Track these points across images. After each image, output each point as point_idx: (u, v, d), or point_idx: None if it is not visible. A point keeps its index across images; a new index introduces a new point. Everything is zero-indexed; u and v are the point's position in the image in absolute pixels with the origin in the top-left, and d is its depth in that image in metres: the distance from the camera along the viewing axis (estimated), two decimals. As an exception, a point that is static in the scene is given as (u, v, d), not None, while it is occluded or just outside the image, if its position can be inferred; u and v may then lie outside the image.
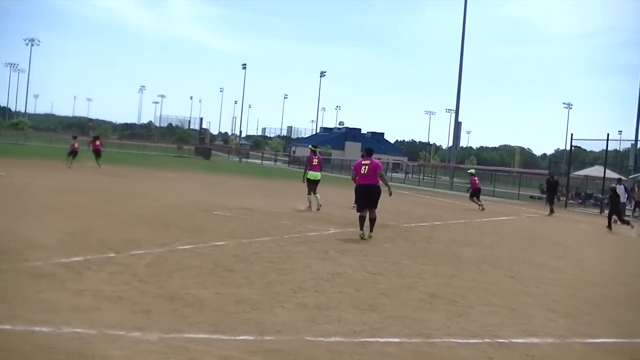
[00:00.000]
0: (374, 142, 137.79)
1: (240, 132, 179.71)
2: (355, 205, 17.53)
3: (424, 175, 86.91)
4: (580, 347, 8.27)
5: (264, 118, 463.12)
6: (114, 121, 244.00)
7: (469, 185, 36.52)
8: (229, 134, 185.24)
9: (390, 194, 17.52)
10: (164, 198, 23.89)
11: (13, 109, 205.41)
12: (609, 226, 28.80)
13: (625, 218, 30.80)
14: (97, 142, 43.26)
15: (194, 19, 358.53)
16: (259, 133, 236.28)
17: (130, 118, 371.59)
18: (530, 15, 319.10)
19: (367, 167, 16.92)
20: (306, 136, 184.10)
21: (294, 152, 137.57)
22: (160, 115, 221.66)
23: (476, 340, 7.93)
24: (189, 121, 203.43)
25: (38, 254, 10.77)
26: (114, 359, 6.10)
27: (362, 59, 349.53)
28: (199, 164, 77.07)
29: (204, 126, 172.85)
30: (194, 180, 38.91)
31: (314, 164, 24.39)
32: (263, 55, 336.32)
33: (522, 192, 58.68)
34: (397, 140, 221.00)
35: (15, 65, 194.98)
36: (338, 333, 7.60)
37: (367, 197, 16.86)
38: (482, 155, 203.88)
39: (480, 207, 33.96)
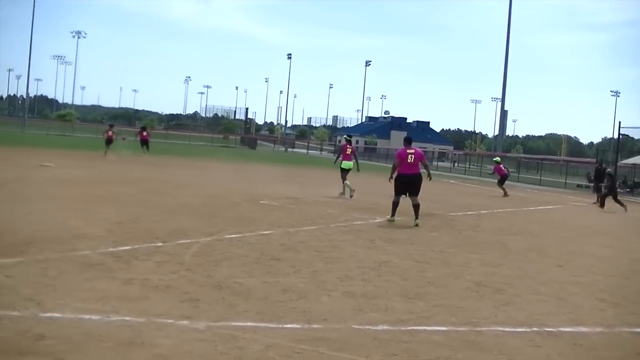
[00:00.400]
0: (419, 131, 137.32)
1: (286, 121, 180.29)
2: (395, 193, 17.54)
3: (470, 164, 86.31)
4: (629, 336, 8.17)
5: (310, 108, 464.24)
6: (160, 112, 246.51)
7: (496, 174, 35.74)
8: (275, 123, 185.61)
9: (430, 179, 18.13)
10: (211, 188, 24.01)
11: (60, 101, 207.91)
12: (602, 204, 31.04)
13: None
14: (145, 133, 44.59)
15: (239, 9, 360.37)
16: (305, 123, 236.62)
17: (176, 109, 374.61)
18: (577, 2, 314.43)
19: (412, 155, 17.42)
20: (352, 125, 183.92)
21: (340, 141, 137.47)
22: (206, 105, 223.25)
23: (524, 329, 7.86)
24: (235, 111, 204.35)
25: (86, 244, 10.90)
26: (162, 347, 6.14)
27: (407, 47, 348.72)
28: (245, 154, 77.42)
29: (249, 116, 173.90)
30: (239, 170, 39.04)
31: (347, 152, 24.82)
32: (308, 45, 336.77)
33: (569, 180, 57.98)
34: (442, 129, 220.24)
35: (63, 58, 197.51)
36: (385, 321, 7.59)
37: (411, 185, 17.37)
38: (529, 143, 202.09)
39: (505, 194, 33.56)
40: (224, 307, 7.70)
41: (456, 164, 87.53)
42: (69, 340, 6.15)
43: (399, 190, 17.55)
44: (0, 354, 5.73)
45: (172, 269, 9.50)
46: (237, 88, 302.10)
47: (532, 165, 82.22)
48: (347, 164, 24.56)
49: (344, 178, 24.40)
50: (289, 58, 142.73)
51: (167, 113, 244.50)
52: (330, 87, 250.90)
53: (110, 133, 42.25)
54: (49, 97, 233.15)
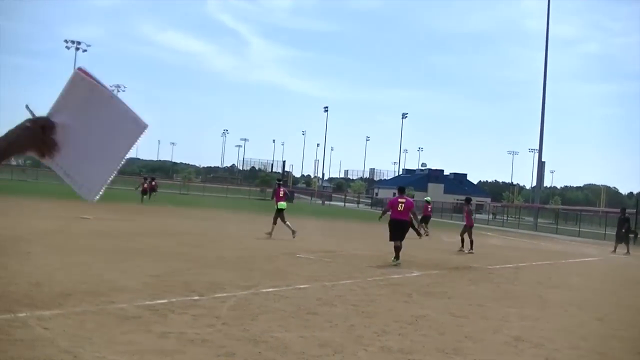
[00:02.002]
0: (456, 183, 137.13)
1: (323, 174, 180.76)
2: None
3: (507, 216, 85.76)
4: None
5: (347, 160, 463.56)
6: (197, 165, 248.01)
7: (422, 212, 38.06)
8: (312, 176, 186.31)
9: (420, 236, 19.28)
10: (248, 241, 24.06)
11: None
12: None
13: None
14: (153, 183, 49.04)
15: (276, 62, 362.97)
16: (342, 175, 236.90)
17: (214, 161, 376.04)
18: (612, 51, 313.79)
19: (402, 204, 19.94)
20: (388, 178, 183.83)
21: (377, 194, 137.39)
22: (243, 158, 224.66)
23: (564, 385, 7.74)
24: (272, 164, 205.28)
25: (123, 296, 10.95)
26: (197, 402, 6.13)
27: (443, 100, 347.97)
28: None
29: (286, 169, 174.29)
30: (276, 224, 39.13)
31: (280, 195, 27.31)
32: (344, 98, 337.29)
33: (609, 231, 57.27)
34: (480, 180, 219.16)
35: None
36: (422, 377, 7.51)
37: (400, 230, 19.78)
38: (567, 194, 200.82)
39: (426, 234, 35.61)
40: (259, 362, 7.67)
41: (495, 216, 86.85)
42: (105, 394, 6.18)
43: (393, 234, 19.75)
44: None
45: (208, 323, 9.50)
46: (274, 141, 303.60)
47: (571, 217, 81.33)
48: (282, 205, 26.83)
49: (279, 218, 26.41)
50: (326, 111, 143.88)
51: (205, 166, 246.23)
52: (367, 140, 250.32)
53: (145, 185, 43.90)
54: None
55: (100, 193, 2.65)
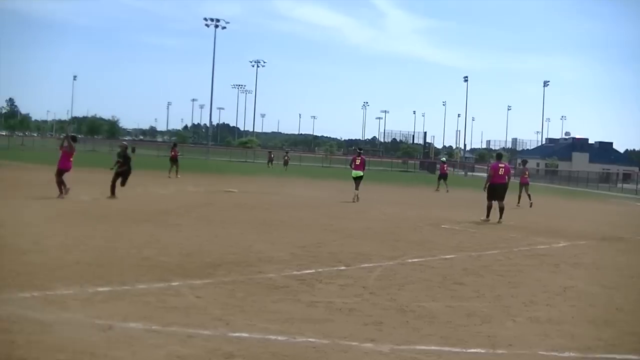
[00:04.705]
0: (602, 152, 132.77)
1: (465, 145, 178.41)
2: None
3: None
4: None
5: (488, 130, 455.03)
6: (338, 137, 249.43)
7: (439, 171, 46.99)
8: (453, 147, 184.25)
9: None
10: (392, 212, 24.07)
11: (242, 129, 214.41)
12: None
13: None
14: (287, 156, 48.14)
15: (414, 33, 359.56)
16: (484, 146, 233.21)
17: (355, 134, 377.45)
18: None
19: (503, 169, 22.39)
20: (531, 148, 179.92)
21: (520, 164, 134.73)
22: (384, 130, 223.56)
23: None
24: (413, 136, 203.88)
25: (271, 267, 11.19)
26: (347, 369, 6.20)
27: (586, 66, 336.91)
28: (424, 178, 77.18)
29: (428, 140, 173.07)
30: (419, 194, 39.03)
31: (357, 163, 29.17)
32: (485, 67, 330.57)
33: None
34: (627, 149, 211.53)
35: (243, 87, 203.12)
36: (572, 348, 7.35)
37: (501, 192, 22.12)
38: None
39: (444, 189, 41.87)
40: (407, 330, 7.69)
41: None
42: (257, 359, 6.33)
43: (494, 194, 22.05)
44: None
45: (355, 292, 9.59)
46: (414, 112, 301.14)
47: None
48: (356, 173, 28.88)
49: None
50: (466, 81, 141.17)
51: (346, 138, 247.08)
52: (508, 109, 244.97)
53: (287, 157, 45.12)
54: (231, 125, 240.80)
55: None
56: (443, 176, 44.29)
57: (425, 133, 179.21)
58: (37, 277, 9.34)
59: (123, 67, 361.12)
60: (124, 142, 25.28)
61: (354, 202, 27.08)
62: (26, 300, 8.03)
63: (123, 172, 22.94)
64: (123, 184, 22.90)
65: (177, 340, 6.75)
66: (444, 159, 49.80)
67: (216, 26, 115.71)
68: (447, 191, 41.31)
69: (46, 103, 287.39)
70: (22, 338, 6.54)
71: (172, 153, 40.94)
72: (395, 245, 14.84)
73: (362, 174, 28.85)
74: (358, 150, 31.54)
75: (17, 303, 7.85)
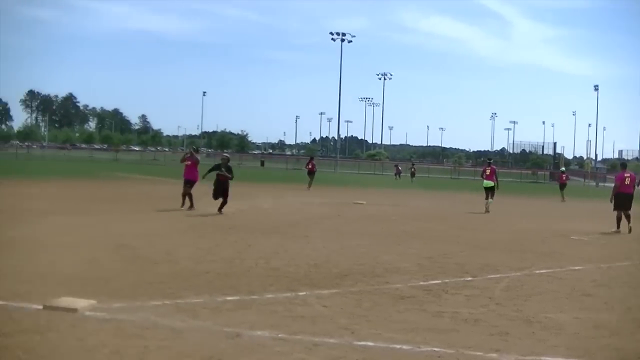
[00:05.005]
0: None
1: (596, 155, 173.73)
2: None
3: None
4: None
5: (620, 140, 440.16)
6: (467, 149, 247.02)
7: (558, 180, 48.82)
8: (584, 158, 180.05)
9: None
10: (519, 223, 23.72)
11: (370, 141, 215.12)
12: None
13: None
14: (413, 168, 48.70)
15: (541, 43, 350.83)
16: (615, 155, 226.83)
17: (483, 145, 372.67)
18: None
19: (628, 178, 22.18)
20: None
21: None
22: (513, 141, 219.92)
23: None
24: (542, 146, 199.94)
25: (398, 277, 11.26)
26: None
27: None
28: (554, 189, 75.61)
29: (557, 151, 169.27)
30: (548, 205, 38.28)
31: (487, 173, 29.45)
32: (615, 75, 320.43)
33: None
34: None
35: (370, 100, 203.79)
36: None
37: (627, 201, 21.81)
38: None
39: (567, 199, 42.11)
40: (533, 341, 7.61)
41: None
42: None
43: (618, 206, 21.81)
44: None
45: (481, 303, 9.55)
46: (543, 123, 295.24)
47: None
48: (487, 183, 29.13)
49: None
50: (596, 89, 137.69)
51: (475, 150, 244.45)
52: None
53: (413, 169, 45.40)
54: (359, 137, 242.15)
55: None
56: (562, 186, 45.19)
57: (555, 143, 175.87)
58: (168, 286, 9.71)
59: (251, 82, 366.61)
60: (226, 155, 24.09)
61: (486, 212, 27.27)
62: (158, 308, 8.36)
63: (222, 185, 21.55)
64: (222, 197, 21.45)
65: (303, 348, 6.90)
66: (563, 169, 52.03)
67: (342, 40, 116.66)
68: (563, 200, 41.77)
69: (177, 118, 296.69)
70: (153, 343, 6.83)
71: (309, 166, 42.01)
72: (523, 256, 14.65)
73: (493, 184, 29.08)
74: (488, 161, 32.90)
75: (150, 310, 8.18)
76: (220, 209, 21.28)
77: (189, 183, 22.29)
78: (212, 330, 7.46)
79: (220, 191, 21.39)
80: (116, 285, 9.66)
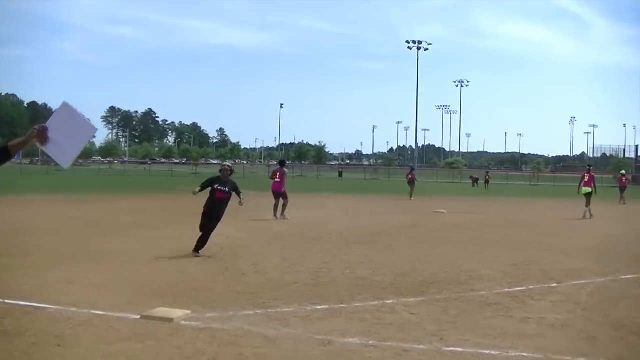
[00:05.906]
0: None
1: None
2: None
3: None
4: None
5: None
6: (546, 154, 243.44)
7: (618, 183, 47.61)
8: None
9: None
10: (604, 228, 23.44)
11: (447, 149, 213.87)
12: None
13: None
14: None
15: (622, 43, 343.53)
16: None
17: (562, 150, 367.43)
18: None
19: None
20: None
21: None
22: (593, 145, 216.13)
23: None
24: (624, 150, 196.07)
25: (482, 284, 11.37)
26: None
27: None
28: (635, 193, 74.18)
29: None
30: (632, 209, 37.64)
31: (585, 180, 29.58)
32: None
33: None
34: None
35: (447, 107, 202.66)
36: None
37: None
38: None
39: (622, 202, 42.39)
40: (621, 346, 7.68)
41: None
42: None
43: None
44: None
45: (567, 308, 9.60)
46: (624, 125, 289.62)
47: None
48: (585, 190, 29.21)
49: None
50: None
51: (554, 155, 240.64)
52: None
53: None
54: (437, 146, 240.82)
55: (70, 163, 5.47)
56: (621, 189, 45.18)
57: (637, 147, 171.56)
58: (258, 296, 10.00)
59: (327, 92, 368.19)
60: (227, 165, 16.56)
61: (584, 219, 27.40)
62: (250, 317, 8.65)
63: (218, 207, 14.78)
64: (211, 225, 14.68)
65: (393, 354, 7.10)
66: (624, 172, 51.88)
67: (418, 48, 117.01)
68: (623, 203, 41.96)
69: (254, 131, 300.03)
70: (249, 351, 7.11)
71: (410, 176, 43.52)
72: (607, 262, 14.54)
73: (591, 190, 29.21)
74: (587, 167, 33.24)
75: (242, 319, 8.48)
76: (198, 247, 14.36)
77: (277, 195, 23.39)
78: (304, 338, 7.71)
79: (214, 217, 14.65)
80: (207, 296, 10.01)
